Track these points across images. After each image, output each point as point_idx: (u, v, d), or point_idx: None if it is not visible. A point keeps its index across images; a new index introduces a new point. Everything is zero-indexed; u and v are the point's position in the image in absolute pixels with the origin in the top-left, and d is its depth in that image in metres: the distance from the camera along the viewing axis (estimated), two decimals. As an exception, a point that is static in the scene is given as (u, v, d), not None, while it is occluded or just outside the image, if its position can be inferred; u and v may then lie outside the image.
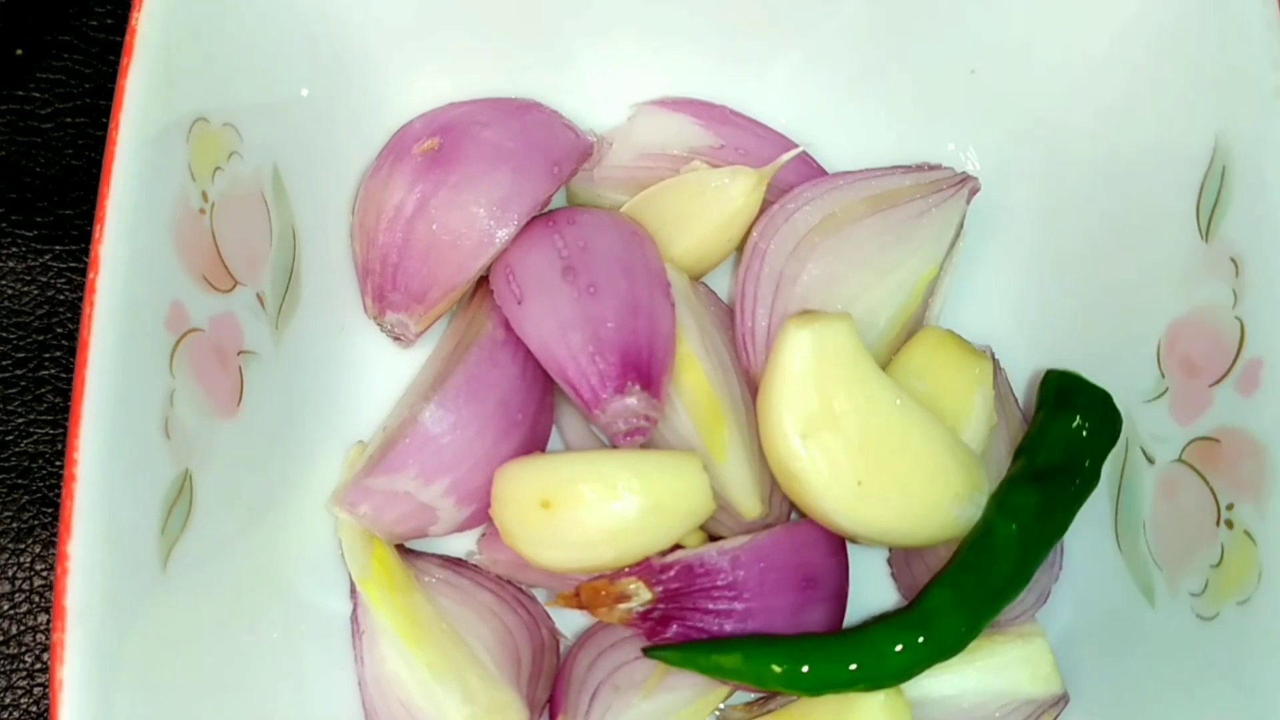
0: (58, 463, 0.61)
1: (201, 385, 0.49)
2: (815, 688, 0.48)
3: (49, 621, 0.60)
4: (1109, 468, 0.53)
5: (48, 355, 0.62)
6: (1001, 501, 0.50)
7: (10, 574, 0.60)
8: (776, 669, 0.48)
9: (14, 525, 0.61)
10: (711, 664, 0.49)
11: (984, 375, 0.54)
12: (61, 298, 0.63)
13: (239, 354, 0.51)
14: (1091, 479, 0.51)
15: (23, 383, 0.62)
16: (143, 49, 0.47)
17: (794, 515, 0.55)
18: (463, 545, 0.56)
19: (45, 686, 0.59)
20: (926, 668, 0.48)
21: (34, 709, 0.59)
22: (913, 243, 0.55)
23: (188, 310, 0.48)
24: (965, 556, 0.49)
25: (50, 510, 0.61)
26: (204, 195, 0.50)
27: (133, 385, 0.45)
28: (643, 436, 0.52)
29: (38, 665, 0.59)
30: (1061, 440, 0.51)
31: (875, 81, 0.60)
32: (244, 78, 0.53)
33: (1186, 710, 0.48)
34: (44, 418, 0.62)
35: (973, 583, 0.48)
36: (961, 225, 0.58)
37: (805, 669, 0.48)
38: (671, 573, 0.49)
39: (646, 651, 0.50)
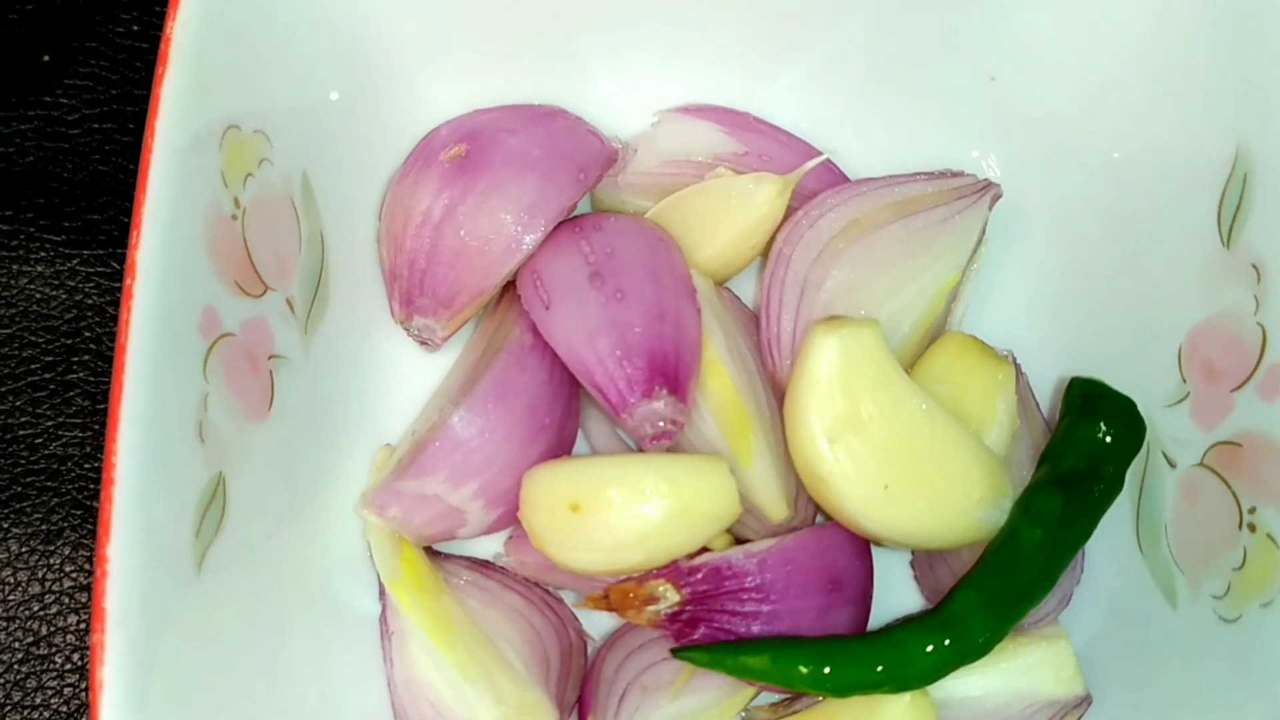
0: (87, 465, 0.62)
1: (234, 389, 0.49)
2: (841, 689, 0.48)
3: (79, 622, 0.60)
4: (1131, 471, 0.53)
5: (76, 359, 0.63)
6: (1026, 506, 0.51)
7: (40, 575, 0.61)
8: (803, 670, 0.48)
9: (44, 527, 0.61)
10: (739, 665, 0.49)
11: (1006, 380, 0.54)
12: (90, 302, 0.64)
13: (270, 358, 0.52)
14: (1115, 485, 0.52)
15: (51, 386, 0.63)
16: (178, 57, 0.48)
17: (819, 518, 0.55)
18: (490, 548, 0.57)
19: (75, 687, 0.59)
20: (952, 670, 0.48)
21: (64, 709, 0.59)
22: (936, 249, 0.56)
23: (220, 315, 0.49)
24: (991, 560, 0.50)
25: (79, 513, 0.61)
26: (236, 201, 0.50)
27: (168, 390, 0.46)
28: (669, 440, 0.52)
29: (68, 666, 0.60)
30: (1086, 447, 0.52)
31: (896, 89, 0.61)
32: (274, 86, 0.53)
33: (1208, 712, 0.49)
34: (73, 420, 0.62)
35: (998, 586, 0.49)
36: (984, 232, 0.58)
37: (831, 670, 0.48)
38: (699, 575, 0.50)
39: (674, 652, 0.50)
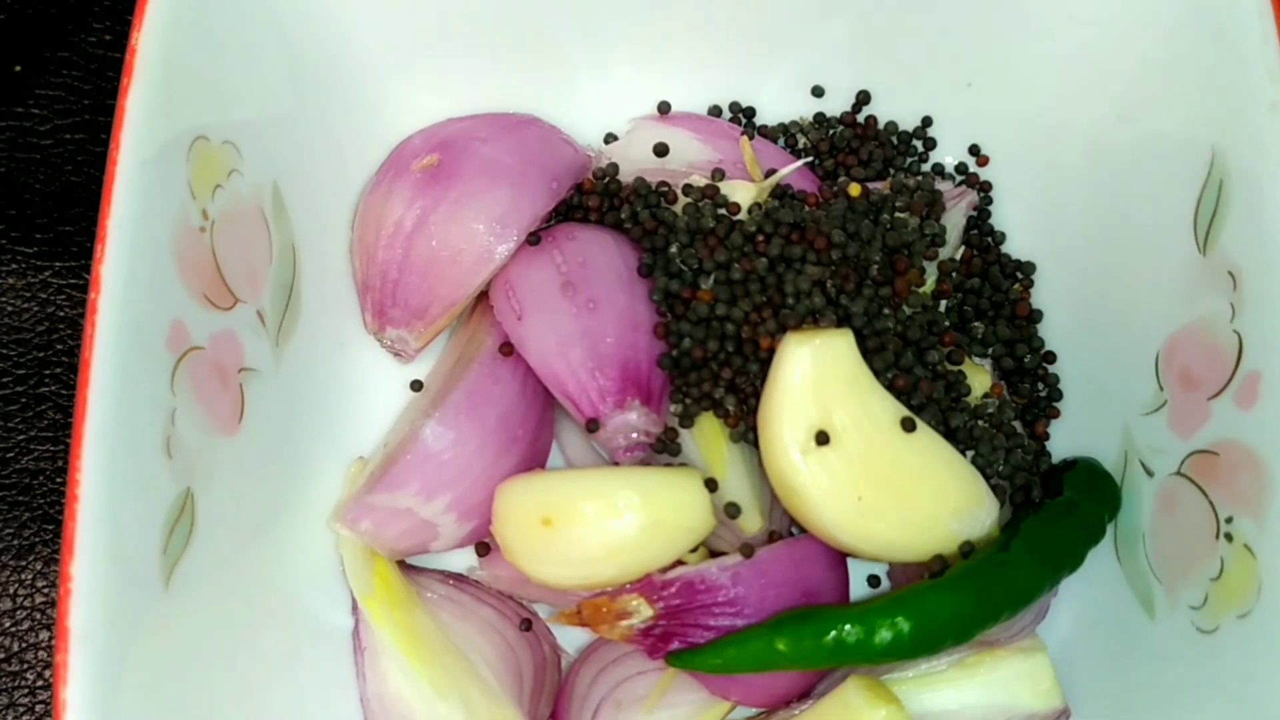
0: (58, 479, 0.61)
1: (202, 403, 0.49)
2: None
3: (50, 639, 0.60)
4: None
5: (48, 372, 0.62)
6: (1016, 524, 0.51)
7: (11, 591, 0.60)
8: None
9: (15, 543, 0.61)
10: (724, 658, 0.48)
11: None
12: (61, 314, 0.63)
13: (240, 371, 0.52)
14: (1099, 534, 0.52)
15: (23, 399, 0.62)
16: (143, 68, 0.47)
17: (794, 530, 0.55)
18: (465, 561, 0.56)
19: (47, 704, 0.59)
20: (915, 654, 0.47)
21: (36, 726, 0.59)
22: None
23: (188, 328, 0.48)
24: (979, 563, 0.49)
25: (51, 527, 0.61)
26: (204, 213, 0.50)
27: (134, 405, 0.45)
28: (642, 452, 0.52)
29: (39, 682, 0.59)
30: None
31: (872, 96, 0.60)
32: (244, 96, 0.53)
33: (1187, 723, 0.48)
34: (44, 434, 0.62)
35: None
36: (960, 238, 0.58)
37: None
38: (672, 589, 0.49)
39: (667, 658, 0.49)
